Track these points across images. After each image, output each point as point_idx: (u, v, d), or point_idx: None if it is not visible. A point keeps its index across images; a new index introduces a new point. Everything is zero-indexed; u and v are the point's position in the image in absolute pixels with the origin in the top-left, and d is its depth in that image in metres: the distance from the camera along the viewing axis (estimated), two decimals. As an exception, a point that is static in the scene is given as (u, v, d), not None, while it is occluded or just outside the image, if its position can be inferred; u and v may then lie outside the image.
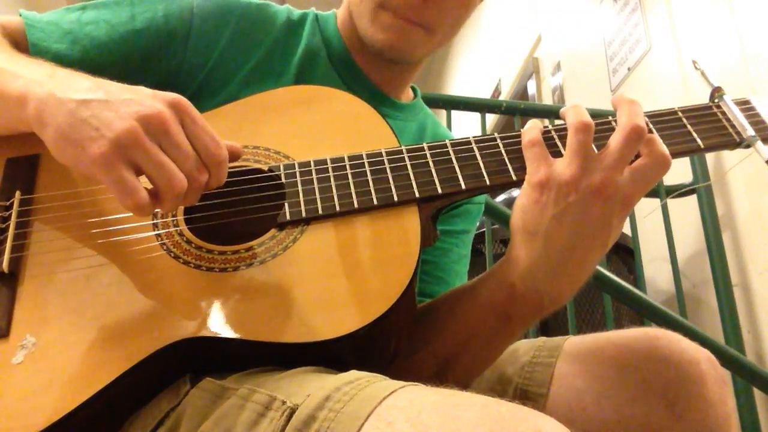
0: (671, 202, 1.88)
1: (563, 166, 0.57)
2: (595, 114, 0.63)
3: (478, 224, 0.97)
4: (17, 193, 0.61)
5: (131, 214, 0.53)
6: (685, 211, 1.95)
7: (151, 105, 0.51)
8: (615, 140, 0.58)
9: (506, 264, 0.63)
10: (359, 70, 0.81)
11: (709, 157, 1.94)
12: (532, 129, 0.62)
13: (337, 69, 0.80)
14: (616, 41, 2.53)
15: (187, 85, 0.72)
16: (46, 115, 0.52)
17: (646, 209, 1.98)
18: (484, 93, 4.10)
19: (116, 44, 0.70)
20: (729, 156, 1.89)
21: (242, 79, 0.74)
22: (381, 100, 0.82)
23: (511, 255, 0.62)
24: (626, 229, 1.87)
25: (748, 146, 0.69)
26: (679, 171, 1.95)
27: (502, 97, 3.77)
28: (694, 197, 1.91)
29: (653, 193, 1.91)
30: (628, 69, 2.39)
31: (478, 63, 4.50)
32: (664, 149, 0.59)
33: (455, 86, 4.99)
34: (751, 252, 1.75)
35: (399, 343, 0.62)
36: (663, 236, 1.80)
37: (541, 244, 0.59)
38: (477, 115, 1.98)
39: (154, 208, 0.52)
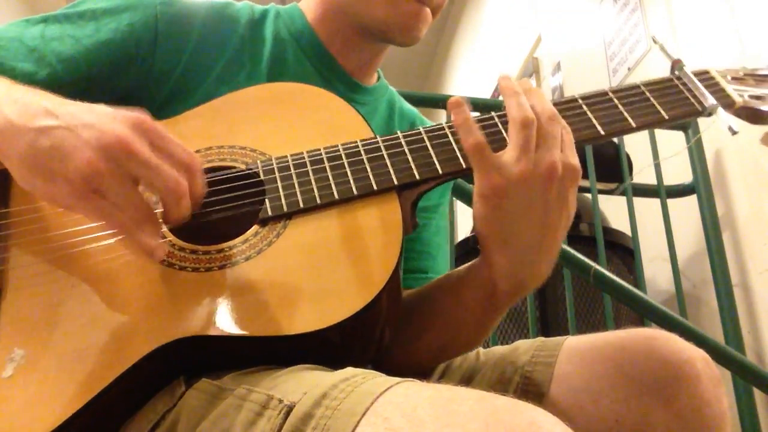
0: (671, 202, 1.89)
1: (512, 166, 0.59)
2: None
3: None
4: None
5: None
6: (685, 211, 1.95)
7: (111, 130, 0.50)
8: (543, 124, 0.60)
9: (486, 268, 0.65)
10: (334, 61, 0.82)
11: (709, 156, 1.94)
12: (471, 130, 0.60)
13: (311, 60, 0.81)
14: (616, 41, 2.53)
15: (159, 91, 0.73)
16: (5, 146, 0.51)
17: (646, 208, 1.98)
18: (484, 93, 4.10)
19: (83, 57, 0.69)
20: (728, 155, 1.89)
21: (214, 80, 0.74)
22: (354, 88, 0.84)
23: (489, 260, 0.65)
24: (626, 229, 1.87)
25: (710, 114, 0.71)
26: (680, 171, 1.95)
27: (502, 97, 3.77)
28: (694, 197, 1.91)
29: (653, 193, 1.92)
30: (628, 69, 2.39)
31: (478, 63, 4.50)
32: (544, 107, 0.61)
33: (455, 86, 4.99)
34: (751, 252, 1.75)
35: (388, 329, 0.62)
36: (663, 236, 1.80)
37: (515, 245, 0.62)
38: (477, 115, 1.98)
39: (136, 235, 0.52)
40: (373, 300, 0.55)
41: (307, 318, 0.54)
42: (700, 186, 1.89)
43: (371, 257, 0.58)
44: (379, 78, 0.91)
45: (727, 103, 0.70)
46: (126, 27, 0.72)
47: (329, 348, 0.55)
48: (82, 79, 0.69)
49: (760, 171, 1.74)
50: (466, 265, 0.70)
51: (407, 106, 0.95)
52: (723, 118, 0.69)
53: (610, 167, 1.93)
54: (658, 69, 2.22)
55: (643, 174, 1.99)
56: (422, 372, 0.76)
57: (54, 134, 0.50)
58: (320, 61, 0.82)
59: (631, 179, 1.94)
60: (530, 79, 3.38)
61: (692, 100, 0.71)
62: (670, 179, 1.93)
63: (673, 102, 0.70)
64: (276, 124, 0.69)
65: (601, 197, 1.87)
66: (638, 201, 1.89)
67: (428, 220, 0.89)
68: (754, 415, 1.58)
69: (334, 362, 0.51)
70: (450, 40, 5.26)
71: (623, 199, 1.86)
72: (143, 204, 0.51)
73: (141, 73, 0.72)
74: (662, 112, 0.69)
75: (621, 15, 2.52)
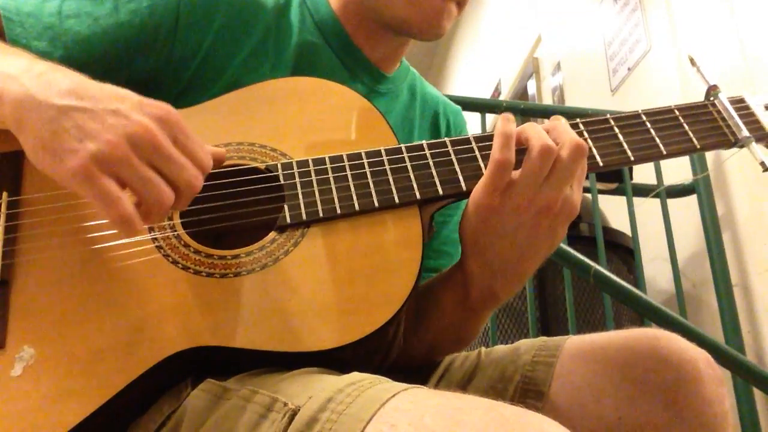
0: (671, 202, 1.89)
1: (519, 189, 0.59)
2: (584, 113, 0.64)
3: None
4: (4, 195, 0.58)
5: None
6: (685, 211, 1.95)
7: (138, 121, 0.49)
8: (564, 156, 0.59)
9: (460, 274, 0.68)
10: (359, 51, 0.80)
11: (709, 155, 1.94)
12: (509, 146, 0.59)
13: (336, 52, 0.79)
14: (616, 41, 2.53)
15: (178, 78, 0.70)
16: (25, 120, 0.49)
17: (646, 208, 1.98)
18: (484, 93, 4.10)
19: (99, 39, 0.66)
20: (729, 155, 1.89)
21: (236, 70, 0.72)
22: (378, 78, 0.82)
23: (463, 267, 0.67)
24: (626, 229, 1.87)
25: (742, 146, 0.69)
26: (680, 170, 1.95)
27: (502, 97, 3.77)
28: (694, 197, 1.91)
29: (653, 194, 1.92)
30: (628, 69, 2.39)
31: (478, 63, 4.50)
32: (574, 136, 0.61)
33: (455, 86, 4.98)
34: (751, 252, 1.76)
35: (399, 335, 0.62)
36: (663, 236, 1.80)
37: (491, 259, 0.64)
38: (477, 115, 1.98)
39: (140, 221, 0.49)
40: (391, 318, 0.54)
41: (322, 336, 0.53)
42: (700, 186, 1.89)
43: (390, 274, 0.57)
44: (400, 62, 0.88)
45: (761, 136, 0.69)
46: (146, 9, 0.68)
47: (341, 360, 0.54)
48: (97, 60, 0.67)
49: (760, 171, 1.74)
50: (449, 267, 0.72)
51: (431, 90, 0.92)
52: (755, 152, 0.67)
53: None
54: (658, 69, 2.22)
55: (643, 173, 2.00)
56: (417, 367, 0.77)
57: (77, 116, 0.48)
58: (345, 52, 0.79)
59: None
60: (530, 79, 3.38)
61: (725, 130, 0.69)
62: (670, 179, 1.93)
63: (705, 130, 0.69)
64: (297, 122, 0.67)
65: (601, 197, 1.87)
66: (638, 201, 1.89)
67: (450, 217, 0.87)
68: (754, 415, 1.58)
69: (344, 368, 0.50)
70: (450, 40, 5.26)
71: (623, 199, 1.86)
72: (167, 189, 0.50)
73: (159, 57, 0.69)
74: (694, 140, 0.68)
75: (621, 15, 2.52)
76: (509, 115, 0.61)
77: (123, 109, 0.50)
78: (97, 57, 0.67)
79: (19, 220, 0.58)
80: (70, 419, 0.48)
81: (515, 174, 0.59)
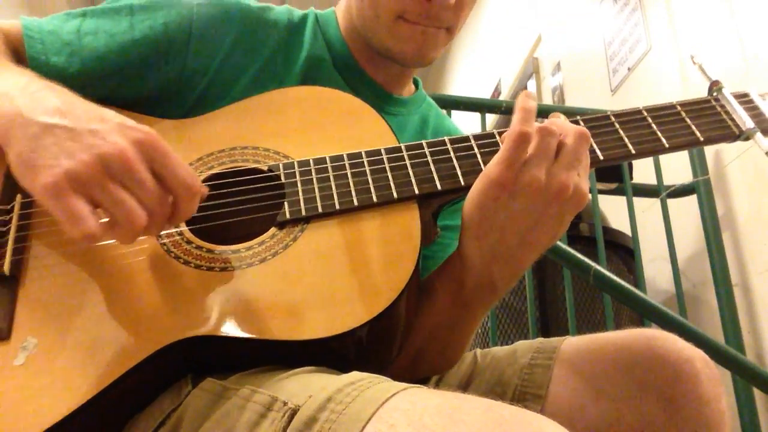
0: (671, 202, 1.89)
1: (528, 170, 0.58)
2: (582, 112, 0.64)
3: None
4: (18, 197, 0.61)
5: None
6: (685, 211, 1.95)
7: (114, 142, 0.51)
8: (570, 142, 0.60)
9: (458, 261, 0.66)
10: (363, 72, 0.82)
11: (709, 155, 1.94)
12: (529, 120, 0.59)
13: (342, 73, 0.81)
14: (616, 41, 2.53)
15: (190, 91, 0.73)
16: (11, 135, 0.53)
17: (645, 206, 1.99)
18: (484, 93, 4.11)
19: (114, 54, 0.70)
20: (728, 155, 1.89)
21: (245, 85, 0.74)
22: (385, 98, 0.83)
23: (462, 252, 0.65)
24: (626, 229, 1.87)
25: (747, 138, 0.69)
26: (680, 171, 1.95)
27: (502, 97, 3.78)
28: (694, 197, 1.91)
29: (653, 193, 1.92)
30: (628, 69, 2.39)
31: (478, 63, 4.50)
32: (575, 125, 0.61)
33: (455, 86, 4.98)
34: (751, 252, 1.76)
35: (402, 338, 0.62)
36: (663, 236, 1.80)
37: (493, 241, 0.62)
38: (477, 115, 1.99)
39: (109, 237, 0.52)
40: (385, 310, 0.55)
41: (316, 325, 0.54)
42: (700, 186, 1.89)
43: (389, 265, 0.58)
44: (417, 89, 0.89)
45: (766, 128, 0.69)
46: (160, 26, 0.72)
47: (340, 356, 0.55)
48: (112, 75, 0.70)
49: (760, 171, 1.74)
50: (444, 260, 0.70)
51: (448, 123, 0.92)
52: (761, 143, 0.67)
53: (610, 167, 1.94)
54: (658, 69, 2.22)
55: (643, 173, 2.00)
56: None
57: (58, 133, 0.51)
58: (350, 73, 0.81)
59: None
60: (530, 79, 3.38)
61: (729, 122, 0.69)
62: (670, 179, 1.93)
63: (709, 124, 0.69)
64: (300, 127, 0.69)
65: (601, 197, 1.88)
66: (638, 201, 1.89)
67: (451, 240, 0.85)
68: (754, 414, 1.58)
69: (345, 368, 0.50)
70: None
71: (623, 199, 1.86)
72: (140, 210, 0.51)
73: (172, 72, 0.72)
74: (697, 133, 0.68)
75: (621, 15, 2.52)
76: (530, 92, 0.62)
77: (102, 129, 0.52)
78: (113, 71, 0.70)
79: (31, 220, 0.60)
80: (68, 406, 0.49)
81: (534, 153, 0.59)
